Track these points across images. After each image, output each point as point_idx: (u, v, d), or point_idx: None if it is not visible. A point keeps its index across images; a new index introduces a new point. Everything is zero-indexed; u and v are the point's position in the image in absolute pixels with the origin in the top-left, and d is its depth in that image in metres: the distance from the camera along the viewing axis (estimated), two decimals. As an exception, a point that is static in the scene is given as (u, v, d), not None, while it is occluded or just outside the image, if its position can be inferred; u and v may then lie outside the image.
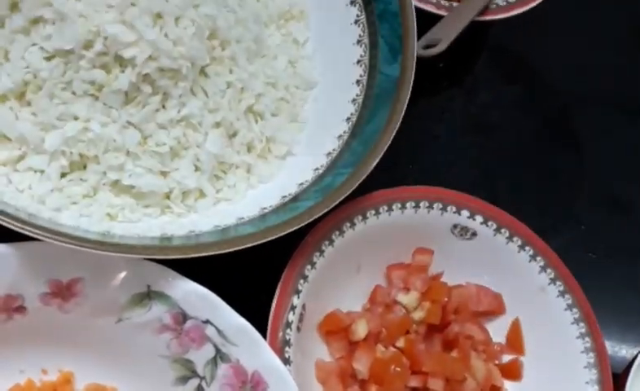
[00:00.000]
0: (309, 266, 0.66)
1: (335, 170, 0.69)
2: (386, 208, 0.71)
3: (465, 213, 0.72)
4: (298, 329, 0.65)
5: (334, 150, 0.72)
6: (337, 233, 0.68)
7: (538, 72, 0.97)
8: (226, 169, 0.71)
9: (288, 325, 0.63)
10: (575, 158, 0.91)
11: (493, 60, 0.95)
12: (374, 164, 0.67)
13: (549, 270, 0.71)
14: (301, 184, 0.70)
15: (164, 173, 0.67)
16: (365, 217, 0.70)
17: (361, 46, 0.77)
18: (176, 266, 0.61)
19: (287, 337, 0.63)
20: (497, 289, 0.73)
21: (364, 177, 0.67)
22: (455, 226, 0.73)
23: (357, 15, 0.78)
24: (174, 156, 0.68)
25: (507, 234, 0.72)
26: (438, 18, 0.85)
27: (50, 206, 0.64)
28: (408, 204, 0.71)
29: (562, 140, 0.92)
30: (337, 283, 0.70)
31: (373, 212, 0.70)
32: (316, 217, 0.64)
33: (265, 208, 0.68)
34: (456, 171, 0.86)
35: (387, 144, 0.69)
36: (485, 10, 0.87)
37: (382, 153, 0.68)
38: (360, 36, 0.78)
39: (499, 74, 0.95)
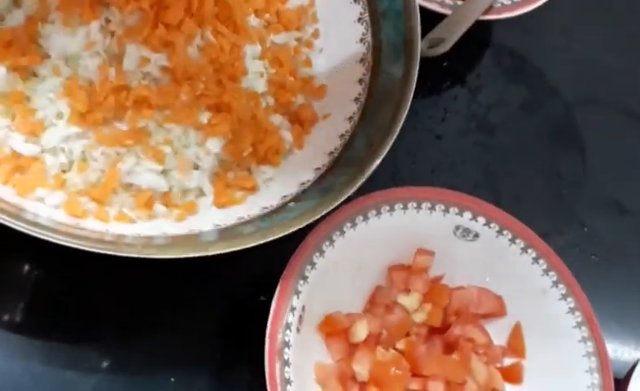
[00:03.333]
0: (309, 267, 0.66)
1: (337, 170, 0.69)
2: (387, 208, 0.70)
3: (467, 214, 0.72)
4: (297, 330, 0.64)
5: (336, 149, 0.71)
6: (338, 233, 0.68)
7: (542, 72, 0.96)
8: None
9: (288, 326, 0.63)
10: (578, 160, 0.90)
11: (497, 60, 0.95)
12: (377, 164, 0.67)
13: (551, 273, 0.71)
14: (303, 184, 0.69)
15: (164, 172, 0.67)
16: (366, 218, 0.69)
17: (364, 44, 0.77)
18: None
19: (287, 339, 0.62)
20: (499, 291, 0.72)
21: (366, 177, 0.66)
22: (457, 228, 0.72)
23: (361, 13, 0.78)
24: (174, 155, 0.67)
25: (510, 236, 0.71)
26: (442, 17, 0.84)
27: (49, 204, 0.63)
28: (410, 205, 0.71)
29: (565, 141, 0.91)
30: (337, 284, 0.69)
31: (374, 212, 0.70)
32: (317, 217, 0.64)
33: (265, 208, 0.67)
34: (459, 171, 0.86)
35: (390, 144, 0.68)
36: (490, 9, 0.87)
37: (384, 153, 0.67)
38: (363, 34, 0.77)
39: (503, 74, 0.94)
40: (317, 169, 0.70)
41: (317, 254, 0.66)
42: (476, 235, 0.72)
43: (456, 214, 0.71)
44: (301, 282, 0.65)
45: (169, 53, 0.65)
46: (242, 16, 0.70)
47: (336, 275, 0.69)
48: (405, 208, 0.70)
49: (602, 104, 0.95)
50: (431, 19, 0.82)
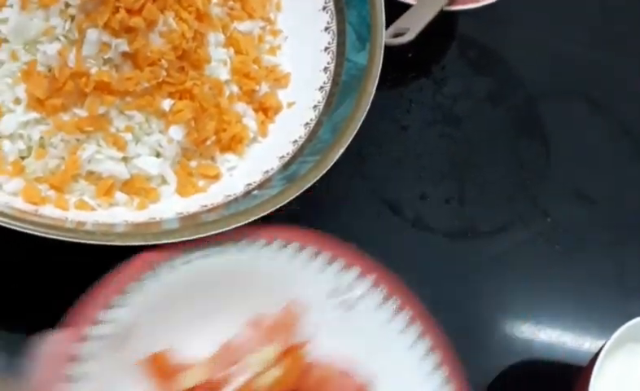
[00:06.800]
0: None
1: (301, 158, 0.68)
2: (261, 246, 0.62)
3: (347, 277, 0.63)
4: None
5: (300, 138, 0.71)
6: (177, 262, 0.59)
7: (507, 63, 0.96)
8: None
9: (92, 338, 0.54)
10: (542, 150, 0.90)
11: (462, 51, 0.95)
12: (341, 152, 0.66)
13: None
14: (266, 172, 0.69)
15: (125, 159, 0.66)
16: (223, 251, 0.61)
17: (328, 33, 0.77)
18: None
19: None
20: (370, 362, 0.63)
21: (330, 165, 0.66)
22: (334, 291, 0.63)
23: (326, 2, 0.78)
24: (136, 142, 0.66)
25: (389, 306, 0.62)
26: (407, 7, 0.84)
27: (7, 190, 0.62)
28: (287, 249, 0.63)
29: (529, 132, 0.91)
30: (179, 324, 0.60)
31: (234, 249, 0.61)
32: (280, 205, 0.63)
33: (229, 196, 0.66)
34: (424, 162, 0.86)
35: (354, 132, 0.68)
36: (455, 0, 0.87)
37: (348, 141, 0.67)
38: (328, 23, 0.77)
39: (468, 65, 0.94)
40: (282, 157, 0.70)
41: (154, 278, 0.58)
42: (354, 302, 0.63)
43: (334, 274, 0.63)
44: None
45: (130, 38, 0.64)
46: (205, 3, 0.70)
47: (178, 314, 0.60)
48: (277, 252, 0.62)
49: (567, 95, 0.95)
50: (396, 8, 0.82)
